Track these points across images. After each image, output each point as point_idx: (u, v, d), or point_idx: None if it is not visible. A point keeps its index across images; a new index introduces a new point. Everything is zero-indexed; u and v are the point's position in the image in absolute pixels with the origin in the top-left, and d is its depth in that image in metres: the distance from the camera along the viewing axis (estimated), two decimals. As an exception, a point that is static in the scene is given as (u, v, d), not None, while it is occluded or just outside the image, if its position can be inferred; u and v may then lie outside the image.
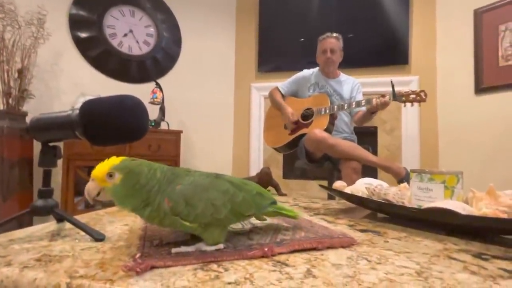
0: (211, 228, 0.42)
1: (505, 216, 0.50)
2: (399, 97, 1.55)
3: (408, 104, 1.56)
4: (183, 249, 0.40)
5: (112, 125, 0.46)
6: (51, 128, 0.48)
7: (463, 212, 0.51)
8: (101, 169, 0.39)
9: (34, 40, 1.92)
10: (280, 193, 2.17)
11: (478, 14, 2.22)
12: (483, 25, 2.19)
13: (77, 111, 0.46)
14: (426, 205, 0.58)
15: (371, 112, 1.64)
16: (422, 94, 1.52)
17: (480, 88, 2.19)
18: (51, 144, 0.50)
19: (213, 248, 0.41)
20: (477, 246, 0.49)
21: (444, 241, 0.51)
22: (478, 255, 0.44)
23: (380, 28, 2.53)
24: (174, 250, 0.40)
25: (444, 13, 2.42)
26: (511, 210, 0.51)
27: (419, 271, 0.37)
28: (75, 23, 2.26)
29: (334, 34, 1.84)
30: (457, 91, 2.32)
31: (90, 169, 2.11)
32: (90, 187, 0.40)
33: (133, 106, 0.47)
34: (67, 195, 1.88)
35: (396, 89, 1.56)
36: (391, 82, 1.57)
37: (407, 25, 2.48)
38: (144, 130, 0.48)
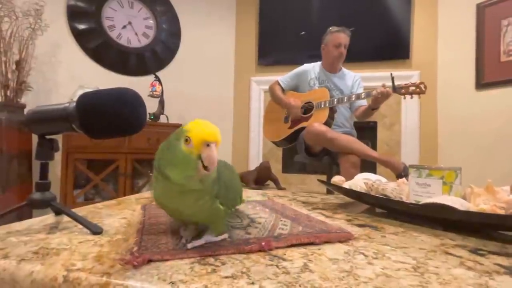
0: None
1: (502, 212, 0.50)
2: (399, 89, 1.55)
3: (408, 98, 1.57)
4: (197, 242, 0.40)
5: (109, 118, 0.45)
6: (47, 121, 0.47)
7: (460, 208, 0.51)
8: (216, 133, 0.36)
9: (31, 31, 1.90)
10: (279, 187, 2.17)
11: (481, 9, 2.19)
12: (486, 20, 2.17)
13: (74, 104, 0.46)
14: (424, 200, 0.58)
15: (372, 108, 1.65)
16: (421, 86, 1.52)
17: (481, 84, 2.18)
18: (48, 137, 0.49)
19: (219, 238, 0.42)
20: (474, 241, 0.49)
21: (441, 236, 0.51)
22: (475, 251, 0.44)
23: (381, 22, 2.50)
24: (190, 245, 0.40)
25: (446, 7, 2.40)
26: (509, 206, 0.52)
27: (416, 266, 0.37)
28: (73, 15, 2.23)
29: (347, 30, 1.79)
30: (457, 86, 2.31)
31: (89, 161, 2.09)
32: (216, 153, 0.35)
33: (131, 99, 0.47)
34: (67, 188, 1.89)
35: (396, 82, 1.56)
36: (391, 74, 1.57)
37: (408, 19, 2.46)
38: (141, 124, 0.48)
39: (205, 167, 0.35)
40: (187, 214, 0.42)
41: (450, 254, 0.42)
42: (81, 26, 2.25)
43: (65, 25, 2.21)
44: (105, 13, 2.33)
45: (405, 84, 1.55)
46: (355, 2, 2.56)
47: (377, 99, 1.56)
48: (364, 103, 1.80)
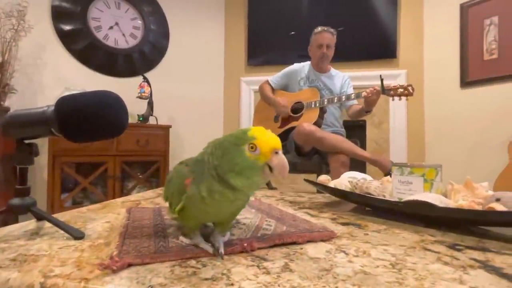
0: None
1: (479, 207, 0.52)
2: (388, 91, 1.58)
3: (396, 98, 1.59)
4: (221, 241, 0.41)
5: (88, 122, 0.45)
6: (25, 125, 0.46)
7: (440, 205, 0.52)
8: (279, 141, 0.37)
9: (14, 33, 1.85)
10: (271, 187, 2.17)
11: (464, 9, 2.24)
12: (469, 20, 2.22)
13: (53, 108, 0.45)
14: (406, 198, 0.59)
15: (366, 111, 1.67)
16: (409, 88, 1.56)
17: (466, 82, 2.23)
18: (26, 141, 0.48)
19: (227, 238, 0.44)
20: (453, 237, 0.50)
21: (422, 232, 0.52)
22: (452, 246, 0.45)
23: (368, 22, 2.53)
24: (221, 250, 0.39)
25: (431, 7, 2.45)
26: (487, 202, 0.53)
27: (394, 263, 0.38)
28: (58, 15, 2.19)
29: (331, 30, 1.80)
30: (443, 84, 2.36)
31: (77, 165, 2.04)
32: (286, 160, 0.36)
33: (110, 102, 0.46)
34: (54, 192, 1.85)
35: (384, 83, 1.59)
36: (380, 76, 1.59)
37: (395, 19, 2.50)
38: (122, 127, 0.47)
39: (278, 175, 0.36)
40: (222, 216, 0.43)
41: (429, 250, 0.43)
42: (67, 27, 2.21)
43: (50, 26, 2.17)
44: (91, 13, 2.30)
45: (394, 86, 1.59)
46: (343, 2, 2.59)
47: (369, 100, 1.58)
48: (355, 102, 1.82)
